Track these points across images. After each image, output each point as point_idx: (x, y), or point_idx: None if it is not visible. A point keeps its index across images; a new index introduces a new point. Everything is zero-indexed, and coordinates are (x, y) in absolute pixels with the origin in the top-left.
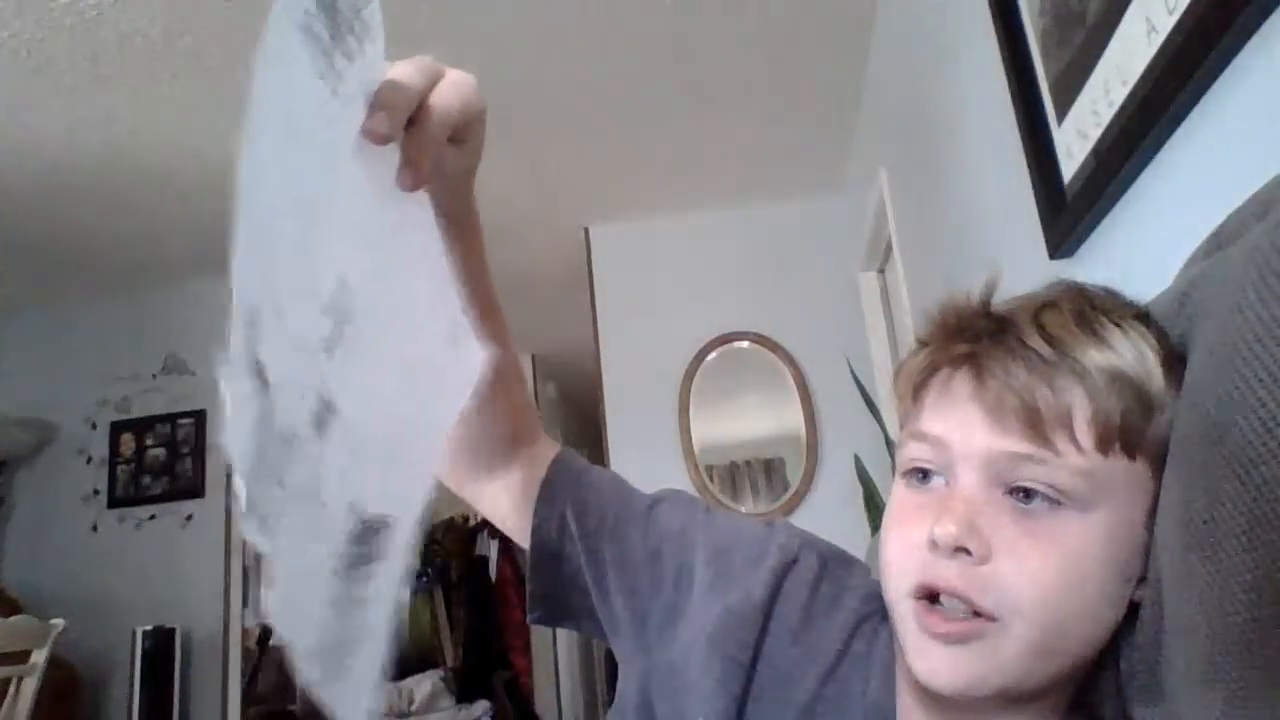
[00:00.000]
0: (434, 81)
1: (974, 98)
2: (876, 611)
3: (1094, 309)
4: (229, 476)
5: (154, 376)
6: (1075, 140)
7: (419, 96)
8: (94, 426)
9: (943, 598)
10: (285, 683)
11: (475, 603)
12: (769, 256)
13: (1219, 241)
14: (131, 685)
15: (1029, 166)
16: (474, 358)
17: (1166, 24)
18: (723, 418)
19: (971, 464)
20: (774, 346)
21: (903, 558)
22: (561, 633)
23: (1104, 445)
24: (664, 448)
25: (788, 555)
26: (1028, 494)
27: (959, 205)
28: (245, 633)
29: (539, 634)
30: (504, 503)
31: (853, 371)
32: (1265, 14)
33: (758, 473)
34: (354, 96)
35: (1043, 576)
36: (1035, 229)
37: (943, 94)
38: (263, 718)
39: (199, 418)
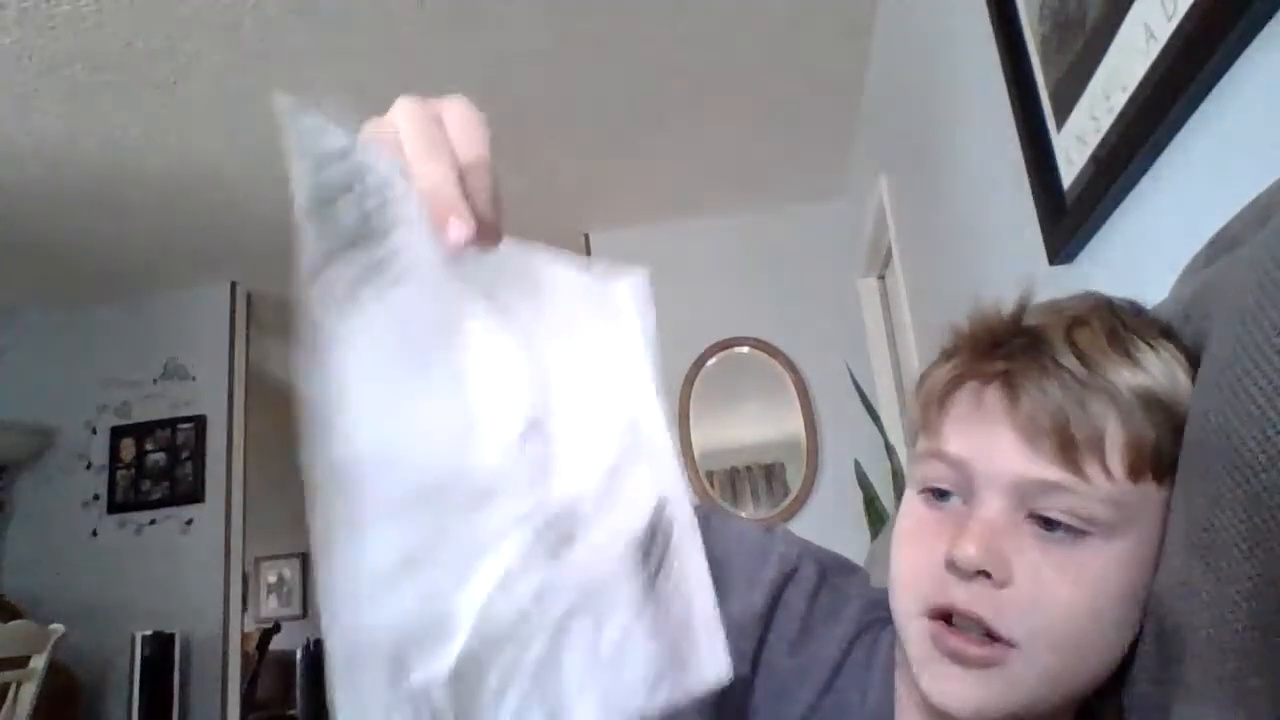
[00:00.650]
0: (444, 135)
1: (974, 104)
2: (877, 620)
3: (1126, 328)
4: (228, 481)
5: (154, 381)
6: (1075, 146)
7: (455, 164)
8: (94, 431)
9: (956, 619)
10: (285, 688)
11: None
12: (769, 262)
13: (1218, 247)
14: (131, 690)
15: (1029, 172)
16: (634, 293)
17: (1165, 30)
18: (723, 423)
19: (996, 487)
20: (774, 352)
21: (917, 576)
22: None
23: (1135, 473)
24: None
25: (787, 565)
26: (1051, 523)
27: (959, 211)
28: (245, 637)
29: None
30: None
31: (853, 377)
32: (1263, 20)
33: (758, 478)
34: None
35: (1064, 604)
36: (1035, 234)
37: (943, 100)
38: None
39: (199, 423)
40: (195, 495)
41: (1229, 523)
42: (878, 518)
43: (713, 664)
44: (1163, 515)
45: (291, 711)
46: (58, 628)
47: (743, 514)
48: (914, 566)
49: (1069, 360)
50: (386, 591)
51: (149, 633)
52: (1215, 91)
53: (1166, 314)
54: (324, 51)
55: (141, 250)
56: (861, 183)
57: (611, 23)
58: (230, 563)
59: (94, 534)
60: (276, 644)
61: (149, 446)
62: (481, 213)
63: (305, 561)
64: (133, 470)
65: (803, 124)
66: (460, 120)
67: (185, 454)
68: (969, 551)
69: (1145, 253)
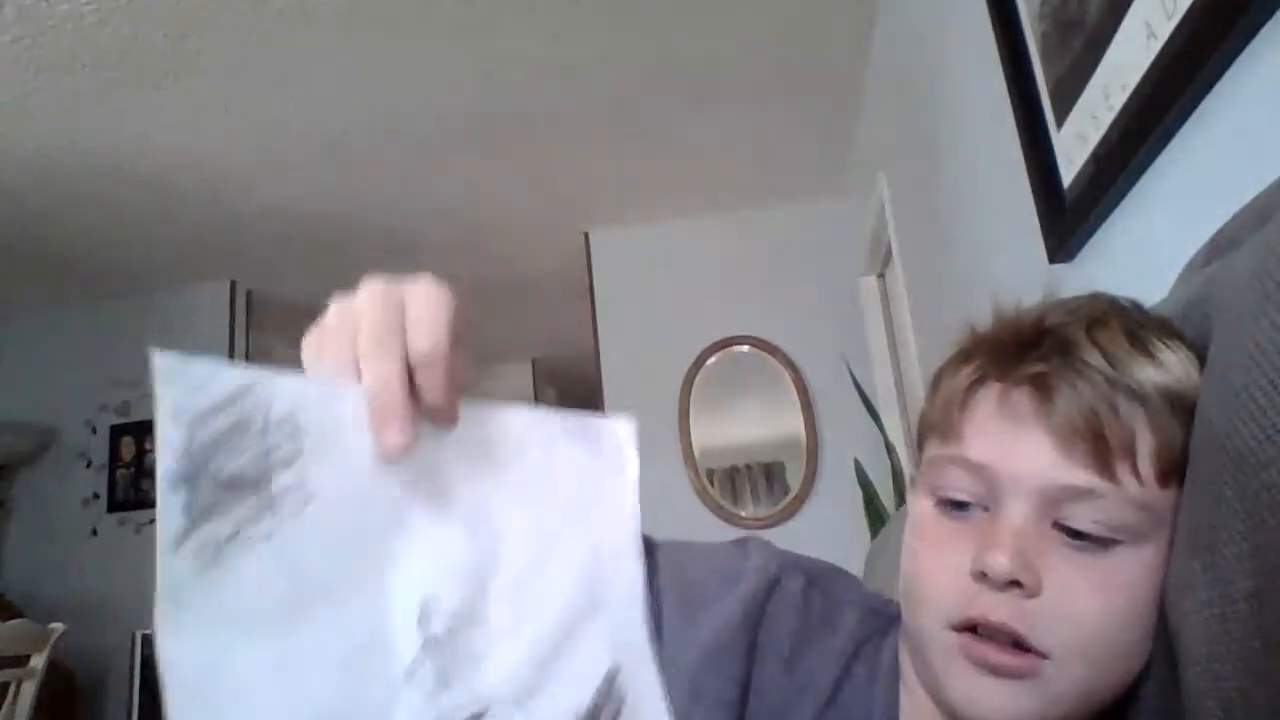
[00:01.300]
0: (403, 325)
1: (974, 102)
2: (877, 630)
3: (1142, 327)
4: None
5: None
6: (1075, 144)
7: (404, 361)
8: (94, 430)
9: (984, 630)
10: None
11: None
12: (769, 261)
13: (1218, 246)
14: (131, 689)
15: (1028, 171)
16: (619, 437)
17: (1165, 29)
18: (723, 422)
19: (1023, 494)
20: (774, 351)
21: (941, 588)
22: None
23: (1164, 478)
24: (664, 452)
25: (766, 578)
26: (1078, 534)
27: (959, 210)
28: None
29: None
30: None
31: (853, 376)
32: (1263, 19)
33: (758, 477)
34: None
35: (1096, 614)
36: (1035, 233)
37: (943, 99)
38: None
39: None
40: None
41: (1229, 522)
42: (878, 517)
43: None
44: None
45: None
46: (58, 626)
47: (742, 513)
48: (937, 579)
49: (1097, 360)
50: None
51: (149, 631)
52: (1215, 90)
53: (1166, 313)
54: (324, 51)
55: (141, 249)
56: (861, 181)
57: (612, 22)
58: None
59: (94, 532)
60: None
61: (149, 445)
62: (431, 403)
63: None
64: (133, 469)
65: (802, 123)
66: (421, 306)
67: None
68: (1001, 561)
69: (1145, 252)
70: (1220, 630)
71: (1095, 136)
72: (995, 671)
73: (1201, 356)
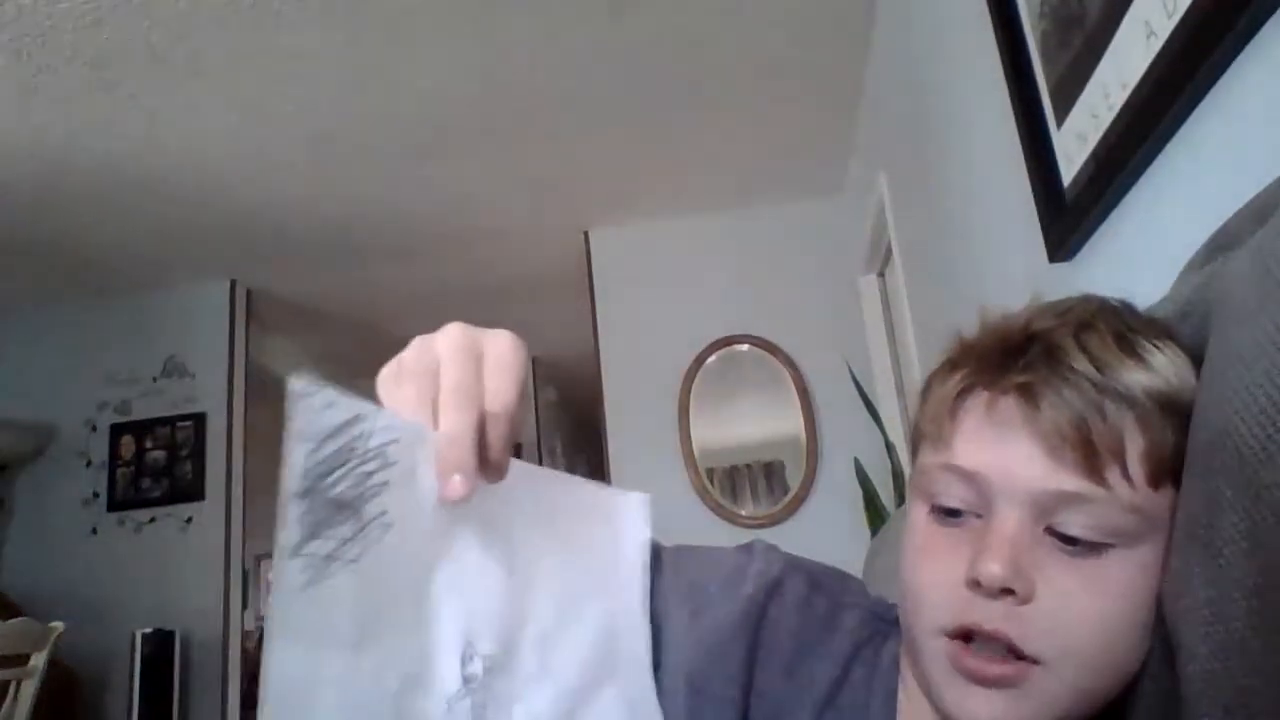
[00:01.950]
0: (479, 378)
1: (974, 101)
2: (878, 633)
3: (1131, 329)
4: (228, 479)
5: (154, 379)
6: (1074, 143)
7: (479, 413)
8: (94, 429)
9: (978, 638)
10: None
11: None
12: (769, 260)
13: (1217, 245)
14: (131, 688)
15: (1028, 169)
16: (633, 510)
17: (1165, 27)
18: (723, 421)
19: (1015, 501)
20: (774, 349)
21: (935, 595)
22: None
23: (1155, 480)
24: (664, 451)
25: (768, 581)
26: (1071, 539)
27: (959, 208)
28: (245, 635)
29: None
30: None
31: (853, 375)
32: (1263, 18)
33: (758, 476)
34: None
35: (1090, 619)
36: (1035, 232)
37: (942, 97)
38: None
39: (199, 421)
40: (195, 493)
41: (1229, 521)
42: (877, 516)
43: None
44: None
45: None
46: (58, 625)
47: (742, 512)
48: (931, 585)
49: (1084, 365)
50: None
51: (149, 630)
52: (1215, 89)
53: (1165, 312)
54: (325, 50)
55: (141, 248)
56: (861, 180)
57: (611, 21)
58: (230, 560)
59: (94, 532)
60: None
61: (149, 444)
62: (493, 459)
63: None
64: (132, 468)
65: (802, 121)
66: (497, 362)
67: (185, 452)
68: (994, 569)
69: (1145, 250)
70: (1220, 629)
71: (1095, 135)
72: (983, 681)
73: (1199, 355)
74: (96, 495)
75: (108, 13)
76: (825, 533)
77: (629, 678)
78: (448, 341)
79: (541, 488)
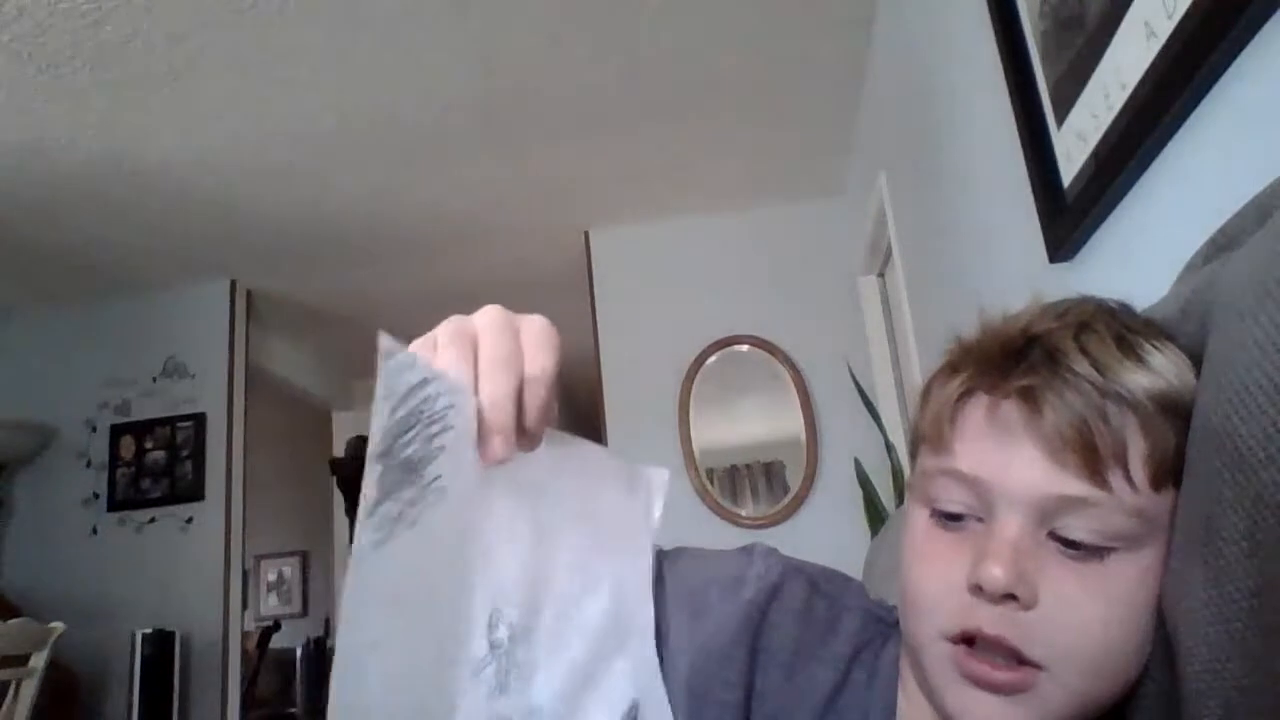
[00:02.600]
0: (518, 346)
1: (974, 101)
2: (878, 636)
3: (1130, 330)
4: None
5: (154, 380)
6: (1075, 143)
7: (519, 378)
8: (94, 429)
9: (980, 643)
10: (285, 686)
11: None
12: (769, 260)
13: (1218, 245)
14: (131, 689)
15: (1029, 169)
16: (650, 482)
17: (1165, 28)
18: (723, 421)
19: (1017, 506)
20: (774, 350)
21: (937, 599)
22: None
23: (1158, 483)
24: (664, 451)
25: (768, 584)
26: (1073, 543)
27: (959, 209)
28: (245, 636)
29: None
30: None
31: (853, 375)
32: (1263, 18)
33: (758, 476)
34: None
35: (1093, 623)
36: (1035, 232)
37: (943, 97)
38: None
39: (199, 421)
40: (195, 493)
41: (1229, 522)
42: (878, 516)
43: None
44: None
45: (291, 710)
46: (58, 626)
47: (742, 512)
48: (933, 589)
49: (1084, 368)
50: None
51: (149, 631)
52: (1215, 89)
53: (1165, 312)
54: (324, 48)
55: (141, 248)
56: (861, 180)
57: (611, 20)
58: (230, 561)
59: (94, 532)
60: (276, 642)
61: (149, 444)
62: (529, 426)
63: (305, 560)
64: (133, 468)
65: (802, 121)
66: (534, 334)
67: (185, 452)
68: (996, 574)
69: (1145, 250)
70: (1220, 629)
71: (1095, 135)
72: (989, 687)
73: (1199, 356)
74: (97, 495)
75: (108, 13)
76: (825, 533)
77: (636, 650)
78: (485, 316)
79: (568, 455)
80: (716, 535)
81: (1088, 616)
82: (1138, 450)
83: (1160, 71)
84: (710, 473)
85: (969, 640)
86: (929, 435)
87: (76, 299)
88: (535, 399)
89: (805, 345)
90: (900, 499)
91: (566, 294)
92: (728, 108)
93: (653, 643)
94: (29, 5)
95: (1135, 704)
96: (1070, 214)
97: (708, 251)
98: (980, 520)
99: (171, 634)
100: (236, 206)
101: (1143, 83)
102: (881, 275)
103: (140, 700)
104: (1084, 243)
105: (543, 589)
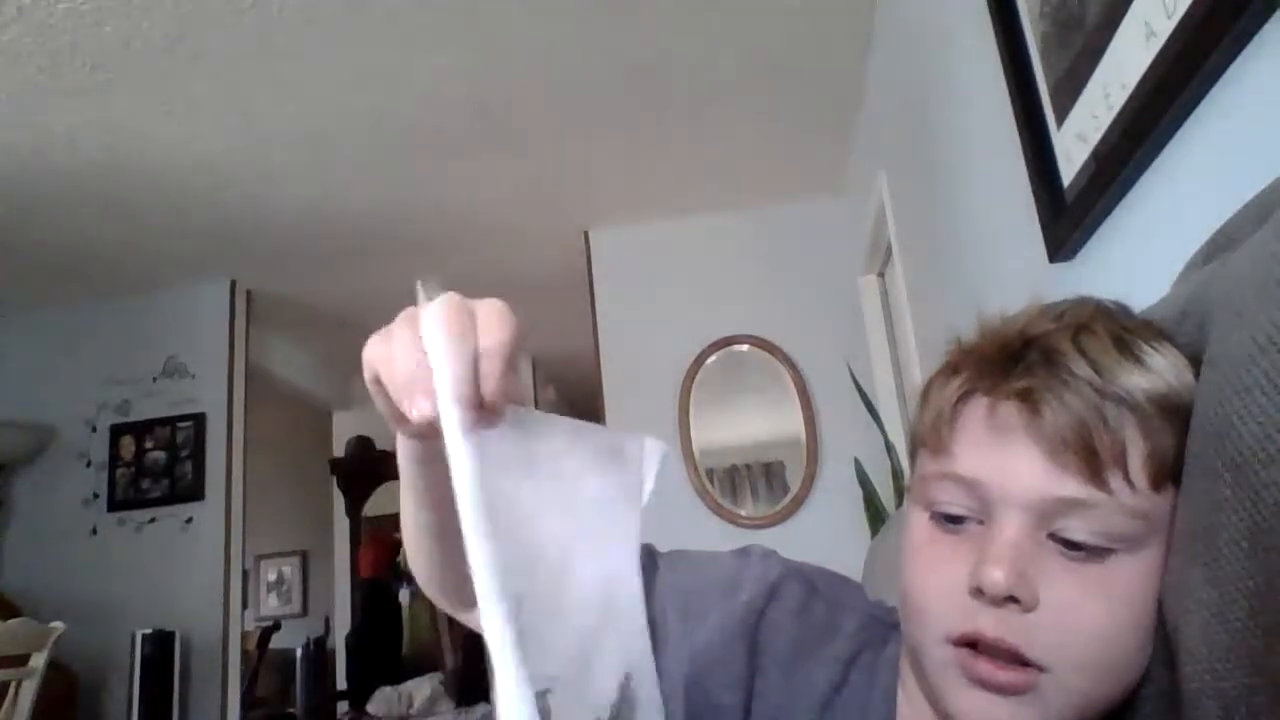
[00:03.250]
0: (474, 330)
1: (974, 101)
2: (877, 637)
3: (1128, 331)
4: (229, 480)
5: (154, 379)
6: (1075, 144)
7: (474, 350)
8: (94, 430)
9: (982, 646)
10: (284, 686)
11: None
12: (769, 260)
13: (1218, 245)
14: (131, 689)
15: (1029, 169)
16: (643, 453)
17: (1165, 28)
18: (723, 421)
19: (1017, 507)
20: (774, 350)
21: (938, 602)
22: None
23: (1157, 483)
24: None
25: (765, 585)
26: (1074, 544)
27: (959, 208)
28: (245, 636)
29: None
30: None
31: (852, 375)
32: (1263, 18)
33: (758, 476)
34: None
35: (1094, 625)
36: (1035, 232)
37: (942, 97)
38: None
39: (199, 421)
40: (195, 493)
41: (1229, 521)
42: (877, 516)
43: None
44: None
45: (291, 710)
46: (58, 626)
47: (742, 512)
48: (934, 592)
49: (1083, 369)
50: None
51: (149, 631)
52: (1215, 89)
53: (1165, 312)
54: (324, 48)
55: (141, 248)
56: (861, 180)
57: (611, 21)
58: (230, 561)
59: (94, 532)
60: (276, 642)
61: (149, 444)
62: (487, 396)
63: (305, 560)
64: (133, 468)
65: (802, 121)
66: (488, 311)
67: (185, 452)
68: (996, 577)
69: (1145, 250)
70: (1220, 629)
71: (1095, 135)
72: (993, 688)
73: (1199, 356)
74: (96, 495)
75: (108, 13)
76: (825, 533)
77: (625, 621)
78: (440, 300)
79: (555, 430)
80: (716, 535)
81: (1089, 617)
82: (1137, 451)
83: (1160, 71)
84: (710, 473)
85: (971, 644)
86: (928, 438)
87: (76, 299)
88: (492, 370)
89: (805, 345)
90: (900, 499)
91: (566, 294)
92: (728, 108)
93: (643, 618)
94: (29, 5)
95: (1135, 704)
96: (1070, 214)
97: (708, 251)
98: (980, 522)
99: (171, 634)
100: (236, 206)
101: (1143, 83)
102: (881, 275)
103: (140, 700)
104: (1084, 243)
105: (534, 558)
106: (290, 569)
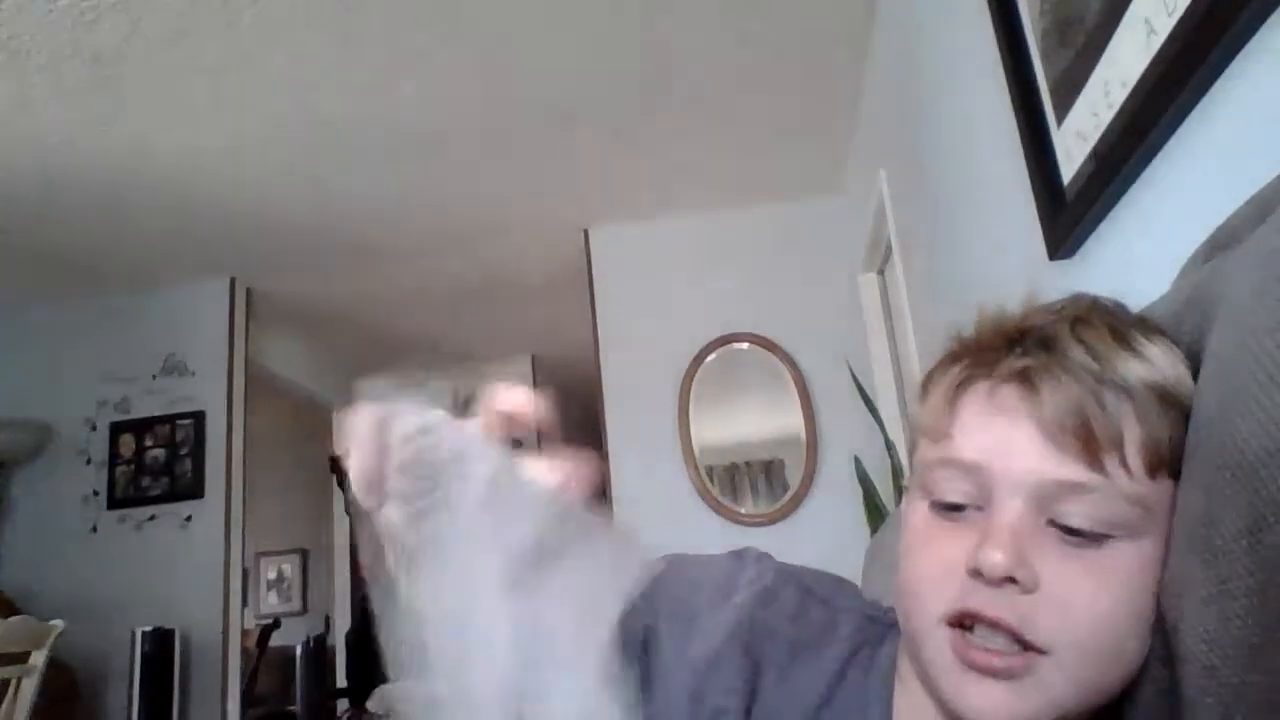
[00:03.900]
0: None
1: (974, 99)
2: (873, 637)
3: (1123, 323)
4: (228, 477)
5: (153, 377)
6: (1075, 142)
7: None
8: (94, 427)
9: (979, 628)
10: (284, 684)
11: None
12: (768, 258)
13: (1217, 243)
14: (131, 686)
15: (1029, 167)
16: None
17: (1165, 26)
18: (722, 419)
19: (1016, 491)
20: (773, 347)
21: (935, 583)
22: None
23: (1153, 470)
24: (664, 449)
25: (760, 589)
26: (1073, 530)
27: (959, 206)
28: (244, 633)
29: None
30: None
31: (852, 373)
32: (1263, 17)
33: (757, 474)
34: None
35: (1094, 609)
36: (1035, 230)
37: (942, 95)
38: (262, 719)
39: (198, 418)
40: (195, 491)
41: (1228, 519)
42: (877, 514)
43: None
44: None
45: (291, 707)
46: (58, 623)
47: (741, 510)
48: (931, 573)
49: (1081, 356)
50: None
51: (149, 629)
52: (1215, 87)
53: (1165, 310)
54: (323, 48)
55: (141, 246)
56: (861, 178)
57: (611, 20)
58: (230, 558)
59: (94, 530)
60: (276, 640)
61: (148, 442)
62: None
63: (305, 557)
64: (132, 466)
65: (802, 119)
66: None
67: (185, 450)
68: (996, 558)
69: (1145, 248)
70: (1220, 627)
71: (1095, 133)
72: (990, 673)
73: (1199, 354)
74: (96, 493)
75: (107, 11)
76: (825, 531)
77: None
78: (359, 412)
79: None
80: (716, 533)
81: (1088, 600)
82: (1133, 438)
83: (1160, 70)
84: (710, 470)
85: (968, 625)
86: (928, 426)
87: (76, 297)
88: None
89: (805, 343)
90: (900, 497)
91: (566, 292)
92: (727, 107)
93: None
94: (28, 4)
95: (1135, 704)
96: (1070, 212)
97: (707, 249)
98: (980, 509)
99: (171, 631)
100: (236, 206)
101: (1143, 81)
102: (881, 273)
103: (140, 697)
104: (1084, 240)
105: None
106: (290, 567)
